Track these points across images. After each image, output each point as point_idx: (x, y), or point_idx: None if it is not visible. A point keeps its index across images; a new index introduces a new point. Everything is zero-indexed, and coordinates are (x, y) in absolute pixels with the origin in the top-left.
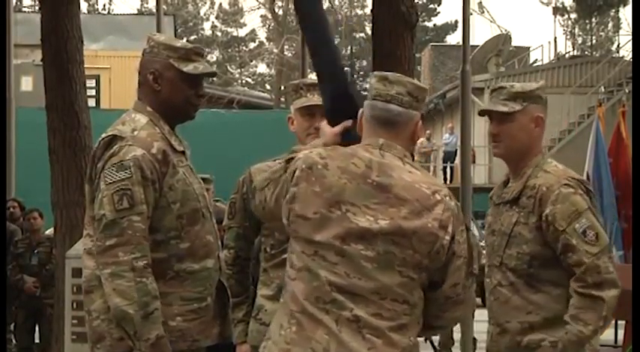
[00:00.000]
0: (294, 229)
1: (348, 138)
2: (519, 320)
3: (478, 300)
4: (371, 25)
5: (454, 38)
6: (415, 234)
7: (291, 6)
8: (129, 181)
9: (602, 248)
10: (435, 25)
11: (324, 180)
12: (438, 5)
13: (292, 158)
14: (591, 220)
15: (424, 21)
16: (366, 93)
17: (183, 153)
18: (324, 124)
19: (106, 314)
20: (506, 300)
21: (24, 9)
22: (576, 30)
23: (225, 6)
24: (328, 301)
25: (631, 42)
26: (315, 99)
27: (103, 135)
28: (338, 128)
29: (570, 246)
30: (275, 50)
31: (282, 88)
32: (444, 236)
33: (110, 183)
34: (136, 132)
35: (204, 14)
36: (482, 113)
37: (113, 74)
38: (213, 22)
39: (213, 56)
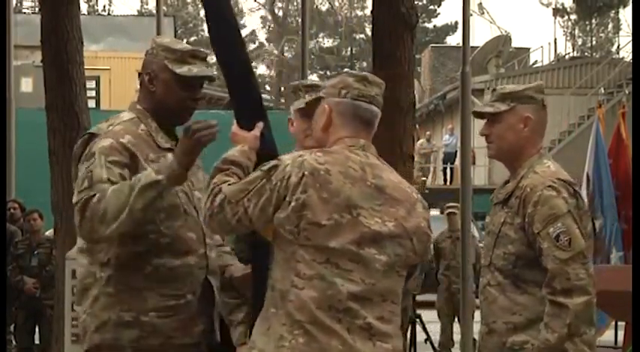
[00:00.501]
0: (306, 236)
1: (264, 140)
2: (504, 321)
3: (477, 301)
4: (371, 26)
5: (454, 39)
6: (415, 235)
7: (292, 7)
8: (92, 166)
9: (575, 254)
10: (435, 26)
11: (330, 186)
12: (438, 6)
13: (273, 166)
14: (567, 225)
15: (424, 22)
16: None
17: (170, 149)
18: (236, 129)
19: (91, 309)
20: (494, 300)
21: (24, 10)
22: (576, 31)
23: None
24: (341, 310)
25: (631, 43)
26: None
27: (83, 134)
28: (257, 131)
29: (541, 249)
30: (275, 51)
31: (282, 89)
32: (431, 233)
33: (80, 174)
34: (111, 127)
35: (205, 15)
36: (475, 115)
37: (113, 75)
38: None
39: (213, 57)
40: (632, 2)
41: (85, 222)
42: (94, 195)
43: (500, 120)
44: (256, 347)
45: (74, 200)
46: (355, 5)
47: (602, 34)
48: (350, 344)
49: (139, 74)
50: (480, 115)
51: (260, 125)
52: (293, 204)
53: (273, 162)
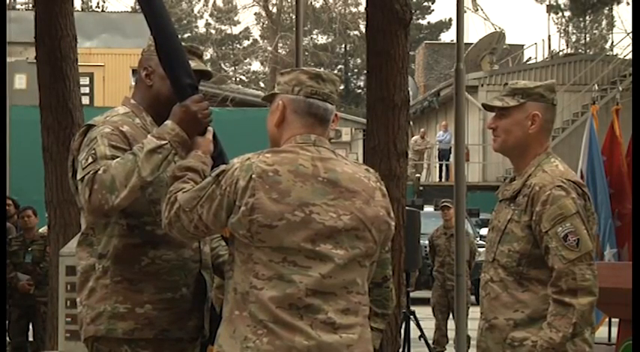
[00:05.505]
0: (260, 239)
1: (217, 143)
2: (506, 317)
3: (472, 298)
4: (365, 22)
5: (448, 36)
6: (373, 225)
7: (286, 4)
8: (95, 145)
9: (582, 254)
10: (429, 22)
11: (279, 186)
12: (432, 3)
13: (222, 171)
14: (576, 225)
15: (418, 19)
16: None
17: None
18: (197, 138)
19: (87, 300)
20: (496, 296)
21: (17, 7)
22: (570, 28)
23: (219, 4)
24: (302, 306)
25: (624, 40)
26: None
27: (81, 127)
28: (209, 135)
29: (548, 248)
30: (269, 48)
31: None
32: (391, 222)
33: (82, 157)
34: (108, 118)
35: (198, 12)
36: (484, 107)
37: (107, 72)
38: (207, 20)
39: (207, 54)
40: (633, 2)
41: (94, 195)
42: (100, 168)
43: (508, 115)
44: (223, 351)
45: (79, 176)
46: (349, 2)
47: (595, 31)
48: (315, 338)
49: (133, 71)
50: (489, 108)
51: (211, 129)
52: (243, 208)
53: (222, 167)
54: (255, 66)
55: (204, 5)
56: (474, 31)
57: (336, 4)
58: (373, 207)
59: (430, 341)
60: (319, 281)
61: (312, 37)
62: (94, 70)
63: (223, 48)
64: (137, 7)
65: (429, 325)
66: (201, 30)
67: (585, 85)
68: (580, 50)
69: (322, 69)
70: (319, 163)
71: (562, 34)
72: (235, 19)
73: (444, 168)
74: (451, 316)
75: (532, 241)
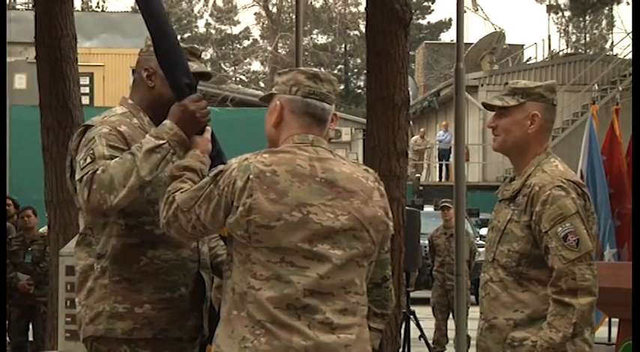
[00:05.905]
0: (258, 240)
1: (215, 142)
2: (505, 317)
3: (472, 298)
4: (365, 22)
5: (448, 36)
6: (371, 225)
7: (286, 4)
8: (93, 145)
9: (582, 254)
10: (429, 22)
11: (277, 187)
12: (432, 3)
13: (220, 171)
14: (576, 225)
15: (418, 19)
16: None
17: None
18: (196, 137)
19: (86, 300)
20: (496, 296)
21: (17, 7)
22: (570, 28)
23: (219, 3)
24: (299, 307)
25: (624, 40)
26: None
27: (79, 128)
28: (208, 134)
29: (548, 248)
30: (269, 48)
31: None
32: (389, 222)
33: (80, 157)
34: (106, 118)
35: (198, 12)
36: (484, 106)
37: (107, 72)
38: (207, 20)
39: (207, 54)
40: (633, 2)
41: (93, 195)
42: (98, 168)
43: (507, 114)
44: (221, 351)
45: (77, 176)
46: (349, 2)
47: (595, 31)
48: (312, 338)
49: (133, 71)
50: (489, 107)
51: (209, 129)
52: (240, 208)
53: (220, 167)
54: (255, 66)
55: (204, 5)
56: (474, 31)
57: (336, 4)
58: (371, 207)
59: (430, 341)
60: (317, 282)
61: (312, 37)
62: (94, 70)
63: (223, 48)
64: (137, 7)
65: (429, 325)
66: (201, 30)
67: (585, 85)
68: (580, 50)
69: (322, 69)
70: (317, 163)
71: (562, 34)
72: (235, 19)
73: (444, 168)
74: (451, 316)
75: (532, 241)
